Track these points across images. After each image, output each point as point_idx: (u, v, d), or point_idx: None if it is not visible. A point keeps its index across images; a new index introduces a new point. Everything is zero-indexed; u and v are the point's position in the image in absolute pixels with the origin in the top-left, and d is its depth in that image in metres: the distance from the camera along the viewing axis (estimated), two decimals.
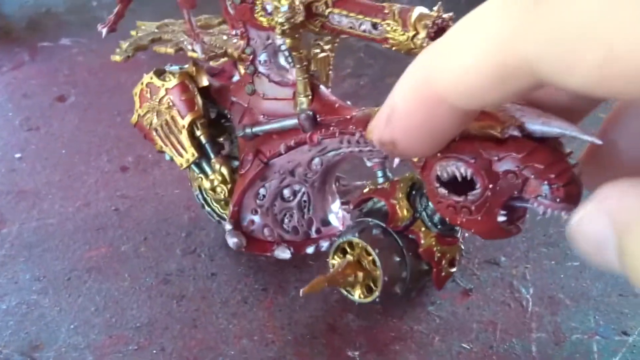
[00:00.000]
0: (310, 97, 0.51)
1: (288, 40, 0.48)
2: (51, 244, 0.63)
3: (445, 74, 0.20)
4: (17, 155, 0.73)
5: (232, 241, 0.58)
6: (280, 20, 0.47)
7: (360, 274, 0.52)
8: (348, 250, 0.52)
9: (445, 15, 0.42)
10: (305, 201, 0.57)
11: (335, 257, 0.53)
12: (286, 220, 0.58)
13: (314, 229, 0.58)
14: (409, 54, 0.43)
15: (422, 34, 0.42)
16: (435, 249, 0.50)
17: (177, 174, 0.70)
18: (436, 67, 0.21)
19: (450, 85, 0.20)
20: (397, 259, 0.50)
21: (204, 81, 0.57)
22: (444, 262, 0.51)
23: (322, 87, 0.52)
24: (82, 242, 0.63)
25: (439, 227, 0.49)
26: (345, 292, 0.54)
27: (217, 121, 0.59)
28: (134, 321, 0.56)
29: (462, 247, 0.53)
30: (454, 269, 0.52)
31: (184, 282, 0.59)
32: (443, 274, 0.51)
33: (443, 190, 0.38)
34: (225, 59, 0.56)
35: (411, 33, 0.42)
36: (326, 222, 0.59)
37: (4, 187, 0.69)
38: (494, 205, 0.37)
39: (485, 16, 0.19)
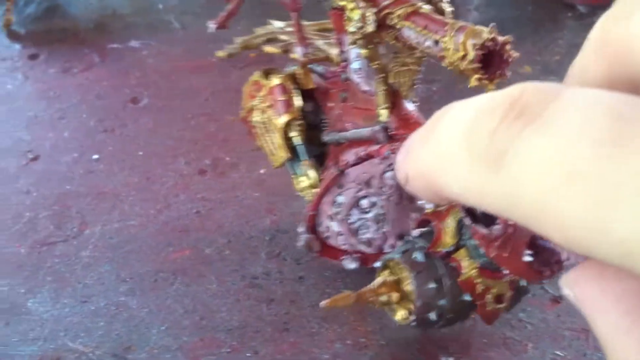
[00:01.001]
0: (388, 109, 0.50)
1: (363, 51, 0.48)
2: (134, 246, 0.63)
3: (441, 179, 0.19)
4: (95, 157, 0.73)
5: (301, 244, 0.57)
6: (351, 29, 0.47)
7: (395, 295, 0.49)
8: (390, 269, 0.50)
9: (500, 38, 0.41)
10: (381, 214, 0.55)
11: (381, 274, 0.50)
12: (361, 231, 0.57)
13: (388, 244, 0.57)
14: (462, 75, 0.42)
15: (471, 55, 0.41)
16: (476, 281, 0.46)
17: (255, 177, 0.70)
18: (433, 168, 0.20)
19: (448, 189, 0.19)
20: (433, 285, 0.47)
21: (309, 84, 0.57)
22: (488, 296, 0.47)
23: (404, 100, 0.51)
24: (165, 244, 0.63)
25: (483, 259, 0.46)
26: (387, 311, 0.51)
27: (319, 124, 0.59)
28: (224, 324, 0.56)
29: (524, 284, 0.49)
30: (501, 305, 0.48)
31: (272, 285, 0.59)
32: (488, 308, 0.48)
33: (468, 220, 0.37)
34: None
35: (461, 53, 0.41)
36: (402, 239, 0.57)
37: (84, 189, 0.70)
38: (519, 243, 0.36)
39: (454, 157, 0.18)
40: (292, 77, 0.57)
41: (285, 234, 0.64)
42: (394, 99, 0.50)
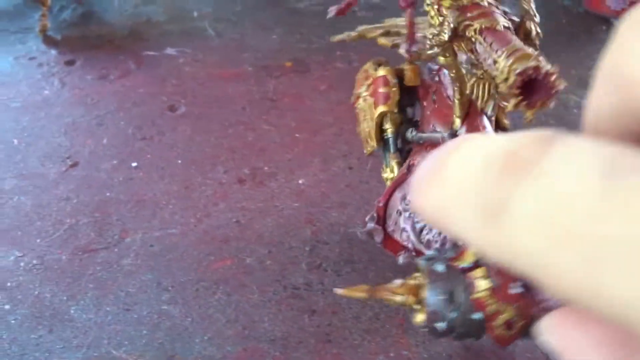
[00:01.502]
0: (461, 118, 0.51)
1: (441, 58, 0.49)
2: (176, 254, 0.64)
3: (447, 220, 0.20)
4: (134, 164, 0.74)
5: (364, 231, 0.58)
6: (429, 35, 0.48)
7: (412, 299, 0.49)
8: (421, 272, 0.50)
9: (544, 68, 0.41)
10: None
11: (412, 276, 0.50)
12: (424, 232, 0.57)
13: (445, 249, 0.58)
14: (504, 98, 0.42)
15: (511, 80, 0.41)
16: (487, 302, 0.46)
17: (294, 187, 0.70)
18: (440, 207, 0.20)
19: (453, 230, 0.20)
20: (444, 296, 0.47)
21: (415, 81, 0.57)
22: (498, 319, 0.47)
23: (480, 112, 0.51)
24: (206, 253, 0.64)
25: (495, 281, 0.46)
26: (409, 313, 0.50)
27: (415, 121, 0.60)
28: (267, 334, 0.56)
29: (536, 315, 0.48)
30: (511, 332, 0.47)
31: (313, 296, 0.59)
32: (497, 332, 0.48)
33: None
34: None
35: (504, 76, 0.41)
36: (457, 246, 0.58)
37: (123, 196, 0.70)
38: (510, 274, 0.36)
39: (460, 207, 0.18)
40: (398, 72, 0.58)
41: (326, 245, 0.64)
42: (469, 109, 0.51)
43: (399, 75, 0.58)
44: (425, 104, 0.57)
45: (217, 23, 0.95)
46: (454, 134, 0.51)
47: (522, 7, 0.49)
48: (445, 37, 0.47)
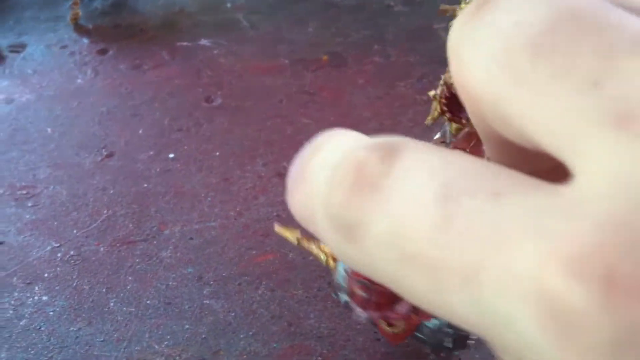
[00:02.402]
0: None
1: None
2: (216, 248, 0.62)
3: (313, 226, 0.19)
4: (171, 156, 0.72)
5: None
6: None
7: (332, 263, 0.49)
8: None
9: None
10: None
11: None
12: None
13: None
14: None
15: (438, 90, 0.40)
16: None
17: None
18: (305, 211, 0.19)
19: (320, 237, 0.19)
20: (344, 273, 0.48)
21: None
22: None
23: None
24: (247, 247, 0.62)
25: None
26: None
27: None
28: (314, 331, 0.55)
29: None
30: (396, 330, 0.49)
31: None
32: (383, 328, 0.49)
33: None
34: None
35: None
36: None
37: (161, 188, 0.69)
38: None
39: None
40: None
41: None
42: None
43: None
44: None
45: (252, 15, 0.93)
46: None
47: None
48: None
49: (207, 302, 0.58)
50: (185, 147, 0.73)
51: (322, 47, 0.86)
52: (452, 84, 0.41)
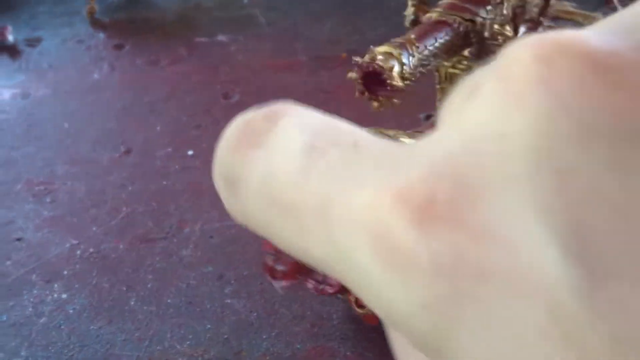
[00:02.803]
0: None
1: None
2: (237, 247, 0.62)
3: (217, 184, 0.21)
4: (190, 153, 0.72)
5: None
6: None
7: None
8: None
9: (382, 64, 0.42)
10: None
11: None
12: None
13: None
14: None
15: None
16: None
17: None
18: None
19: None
20: None
21: None
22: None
23: None
24: None
25: None
26: None
27: None
28: (337, 332, 0.54)
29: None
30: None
31: None
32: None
33: None
34: None
35: None
36: None
37: (180, 185, 0.68)
38: None
39: None
40: None
41: None
42: None
43: None
44: None
45: (268, 11, 0.93)
46: None
47: None
48: None
49: (229, 301, 0.57)
50: (204, 145, 0.73)
51: (340, 44, 0.85)
52: (367, 64, 0.42)
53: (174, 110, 0.77)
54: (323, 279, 0.49)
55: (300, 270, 0.47)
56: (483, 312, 0.13)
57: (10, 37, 0.88)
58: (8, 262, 0.61)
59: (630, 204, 0.12)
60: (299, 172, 0.15)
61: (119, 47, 0.88)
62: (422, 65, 0.45)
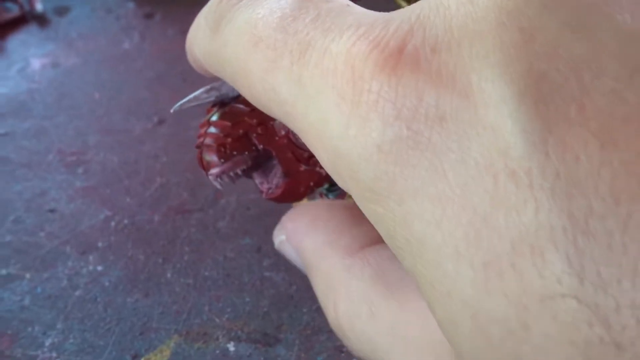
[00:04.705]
0: None
1: None
2: (274, 219, 0.60)
3: (193, 47, 0.24)
4: None
5: None
6: None
7: None
8: None
9: None
10: None
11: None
12: None
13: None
14: None
15: None
16: None
17: None
18: (191, 37, 0.24)
19: (197, 55, 0.24)
20: None
21: None
22: None
23: None
24: None
25: None
26: None
27: None
28: None
29: None
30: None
31: None
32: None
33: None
34: None
35: None
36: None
37: None
38: None
39: None
40: None
41: None
42: None
43: None
44: None
45: None
46: None
47: None
48: None
49: (268, 274, 0.56)
50: None
51: None
52: None
53: (207, 79, 0.75)
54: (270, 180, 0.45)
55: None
56: (435, 156, 0.13)
57: (38, 7, 0.87)
58: (42, 234, 0.60)
59: (589, 60, 0.13)
60: (286, 16, 0.17)
61: (148, 16, 0.86)
62: None
